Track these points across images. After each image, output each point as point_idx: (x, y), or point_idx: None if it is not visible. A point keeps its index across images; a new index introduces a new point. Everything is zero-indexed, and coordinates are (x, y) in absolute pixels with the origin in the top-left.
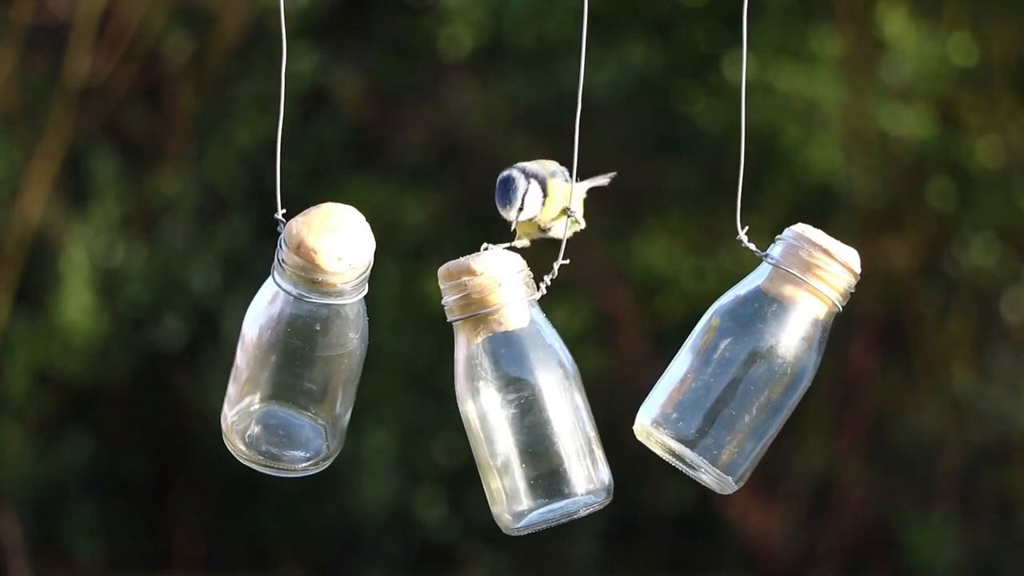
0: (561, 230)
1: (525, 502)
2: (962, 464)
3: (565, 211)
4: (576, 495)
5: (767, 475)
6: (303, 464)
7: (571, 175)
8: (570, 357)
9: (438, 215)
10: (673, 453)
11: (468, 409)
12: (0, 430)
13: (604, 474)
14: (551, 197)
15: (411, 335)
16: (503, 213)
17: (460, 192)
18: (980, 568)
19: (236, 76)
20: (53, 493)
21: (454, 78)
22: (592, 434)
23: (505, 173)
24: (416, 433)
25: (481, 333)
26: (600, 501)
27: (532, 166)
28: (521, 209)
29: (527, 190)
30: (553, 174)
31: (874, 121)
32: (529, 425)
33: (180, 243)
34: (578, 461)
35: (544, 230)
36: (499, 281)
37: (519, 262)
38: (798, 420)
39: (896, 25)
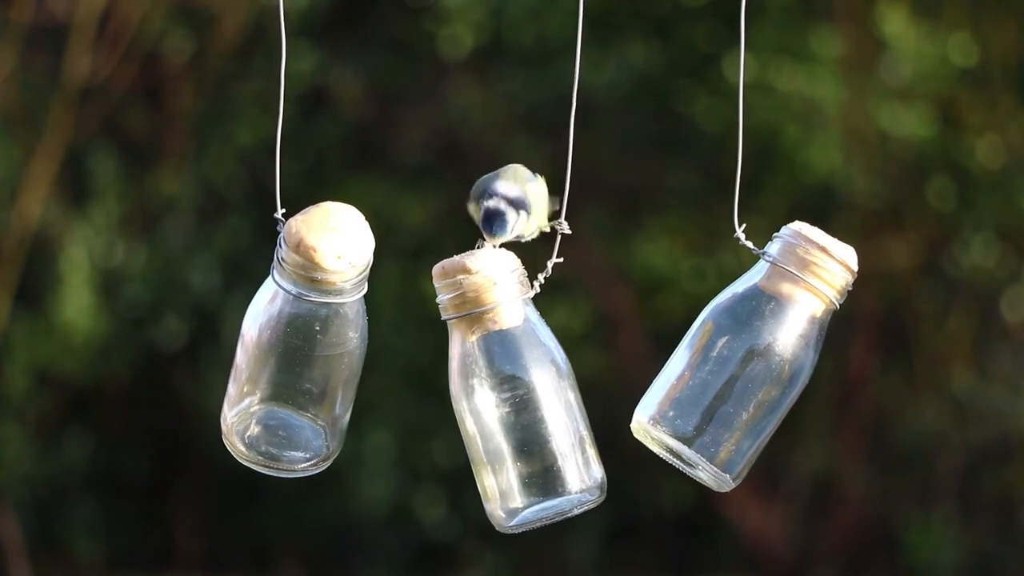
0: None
1: (519, 500)
2: (962, 464)
3: (554, 220)
4: (570, 493)
5: (767, 475)
6: (303, 464)
7: (566, 175)
8: (564, 356)
9: (438, 215)
10: (671, 451)
11: (462, 408)
12: (0, 430)
13: (597, 472)
14: (532, 213)
15: (411, 335)
16: (489, 240)
17: (460, 192)
18: (980, 568)
19: (236, 76)
20: (53, 493)
21: (454, 78)
22: (585, 433)
23: (492, 205)
24: (416, 433)
25: (476, 332)
26: (594, 499)
27: (512, 190)
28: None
29: (516, 222)
30: (528, 180)
31: (874, 121)
32: (523, 424)
33: (180, 243)
34: (572, 460)
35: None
36: (494, 280)
37: (514, 260)
38: (798, 420)
39: (896, 25)
